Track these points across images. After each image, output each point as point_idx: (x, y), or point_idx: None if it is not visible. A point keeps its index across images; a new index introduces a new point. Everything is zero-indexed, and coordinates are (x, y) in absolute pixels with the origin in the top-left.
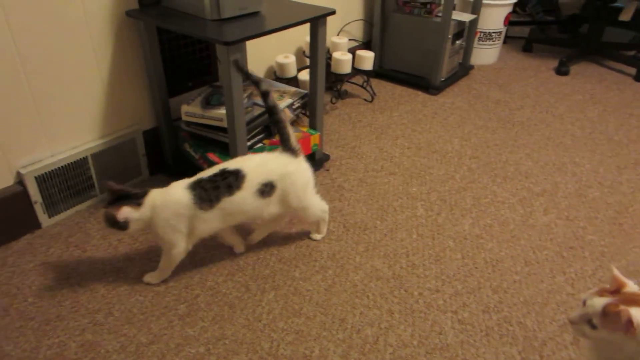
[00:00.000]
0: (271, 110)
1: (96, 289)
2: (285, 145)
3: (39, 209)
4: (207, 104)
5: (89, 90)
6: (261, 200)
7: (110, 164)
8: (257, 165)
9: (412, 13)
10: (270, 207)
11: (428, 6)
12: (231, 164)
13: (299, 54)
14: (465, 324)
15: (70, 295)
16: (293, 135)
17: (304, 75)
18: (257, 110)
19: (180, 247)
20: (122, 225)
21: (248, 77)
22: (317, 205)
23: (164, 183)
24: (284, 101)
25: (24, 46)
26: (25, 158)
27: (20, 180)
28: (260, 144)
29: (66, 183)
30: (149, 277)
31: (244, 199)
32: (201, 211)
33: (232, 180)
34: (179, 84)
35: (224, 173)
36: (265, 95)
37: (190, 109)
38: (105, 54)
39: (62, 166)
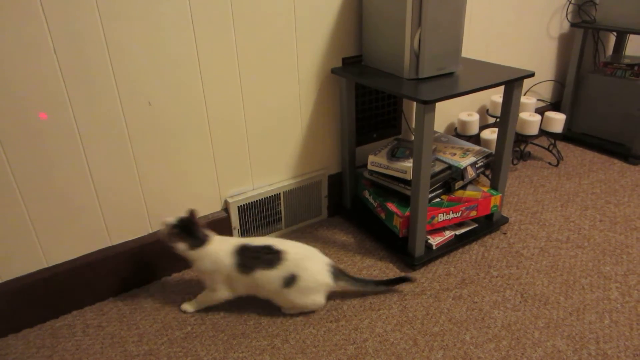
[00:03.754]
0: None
1: (276, 315)
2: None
3: (235, 235)
4: (393, 156)
5: (291, 136)
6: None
7: (297, 201)
8: (297, 255)
9: (614, 75)
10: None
11: (635, 68)
12: (279, 244)
13: (482, 111)
14: None
15: (254, 316)
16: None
17: (488, 134)
18: (439, 166)
19: (219, 294)
20: (173, 248)
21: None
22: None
23: (340, 225)
24: (467, 159)
25: (247, 99)
26: (233, 189)
27: (226, 208)
28: (438, 199)
29: (260, 214)
30: (186, 306)
31: (270, 279)
32: (238, 274)
33: (272, 258)
34: (365, 134)
35: (270, 249)
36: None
37: (377, 159)
38: (308, 106)
39: (259, 199)
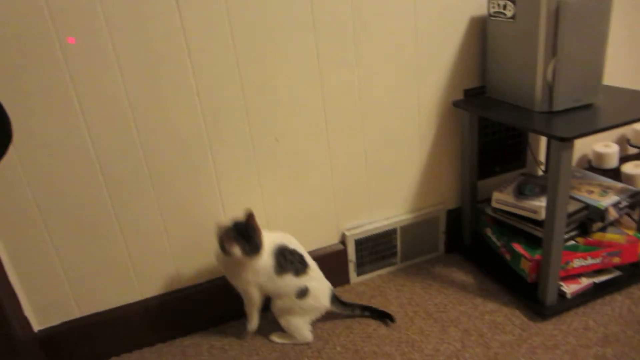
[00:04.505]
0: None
1: (393, 356)
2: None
3: (351, 267)
4: (520, 193)
5: (409, 169)
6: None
7: (413, 236)
8: (313, 272)
9: None
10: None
11: None
12: (307, 258)
13: (622, 141)
14: None
15: (370, 354)
16: None
17: (631, 168)
18: (574, 205)
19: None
20: (226, 252)
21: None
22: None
23: (458, 263)
24: (609, 198)
25: (367, 132)
26: (350, 222)
27: (342, 241)
28: (573, 242)
29: (375, 248)
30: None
31: (292, 286)
32: (274, 274)
33: (299, 267)
34: (487, 168)
35: (302, 259)
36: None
37: (502, 197)
38: (427, 139)
39: (376, 233)
